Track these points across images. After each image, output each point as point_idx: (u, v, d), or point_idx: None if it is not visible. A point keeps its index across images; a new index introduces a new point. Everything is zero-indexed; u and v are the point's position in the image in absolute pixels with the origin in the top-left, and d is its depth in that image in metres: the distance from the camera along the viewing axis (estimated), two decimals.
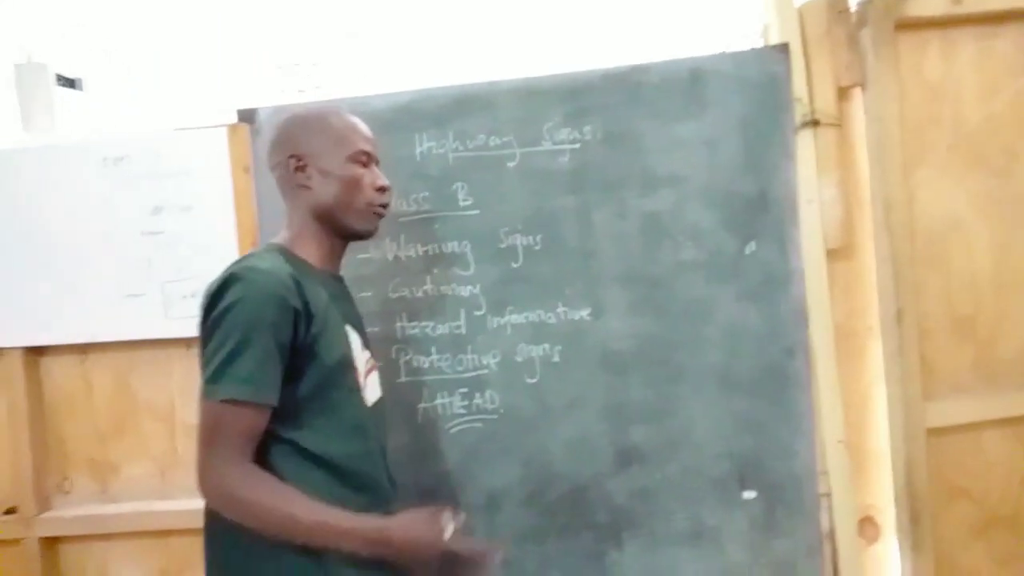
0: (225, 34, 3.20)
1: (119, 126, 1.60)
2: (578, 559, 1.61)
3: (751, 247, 1.58)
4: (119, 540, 1.73)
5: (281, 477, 1.11)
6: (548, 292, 1.61)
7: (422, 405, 1.66)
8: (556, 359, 1.62)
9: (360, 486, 1.19)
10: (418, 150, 1.63)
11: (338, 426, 1.17)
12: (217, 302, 1.10)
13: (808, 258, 1.57)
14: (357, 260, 1.65)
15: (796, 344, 1.57)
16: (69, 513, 1.73)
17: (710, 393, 1.59)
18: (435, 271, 1.64)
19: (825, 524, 1.56)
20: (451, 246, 1.64)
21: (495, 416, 1.64)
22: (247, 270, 1.11)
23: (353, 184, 1.24)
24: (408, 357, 1.66)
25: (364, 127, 1.29)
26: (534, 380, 1.63)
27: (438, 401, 1.66)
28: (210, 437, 1.08)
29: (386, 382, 1.64)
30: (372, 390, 1.30)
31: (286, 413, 1.12)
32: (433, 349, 1.65)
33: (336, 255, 1.30)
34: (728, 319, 1.58)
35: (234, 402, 1.06)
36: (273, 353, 1.08)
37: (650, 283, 1.59)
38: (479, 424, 1.65)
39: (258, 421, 1.09)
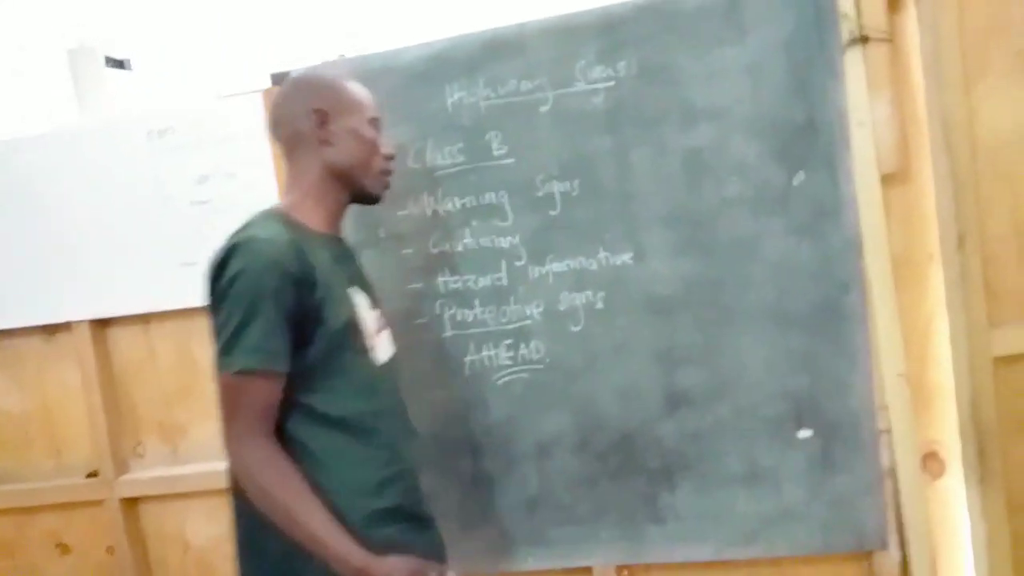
0: (261, 6, 3.21)
1: (166, 100, 1.63)
2: (631, 503, 1.61)
3: (799, 177, 1.51)
4: (193, 499, 1.82)
5: (298, 441, 1.15)
6: (588, 238, 1.58)
7: (468, 358, 1.67)
8: (600, 306, 1.60)
9: (374, 443, 1.21)
10: (449, 101, 1.60)
11: (349, 387, 1.19)
12: (220, 274, 1.12)
13: (861, 185, 1.48)
14: (396, 217, 1.66)
15: (851, 277, 1.50)
16: (145, 475, 1.83)
17: (761, 332, 1.54)
18: (474, 223, 1.63)
19: (886, 461, 1.51)
20: (488, 197, 1.62)
21: (541, 366, 1.64)
22: (248, 240, 1.12)
23: (372, 146, 1.27)
24: (452, 311, 1.66)
25: (372, 98, 1.32)
26: (578, 328, 1.61)
27: (484, 353, 1.66)
28: (229, 411, 1.12)
29: (433, 337, 1.67)
30: (384, 349, 1.32)
31: (298, 378, 1.14)
32: (476, 302, 1.65)
33: (339, 217, 1.31)
34: (778, 255, 1.52)
35: (248, 373, 1.09)
36: (280, 321, 1.10)
37: (694, 222, 1.54)
38: (525, 375, 1.65)
39: (272, 390, 1.12)
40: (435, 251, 1.66)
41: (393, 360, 1.35)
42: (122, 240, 1.78)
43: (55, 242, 1.78)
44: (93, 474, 1.83)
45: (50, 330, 1.83)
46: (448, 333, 1.67)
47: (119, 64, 2.82)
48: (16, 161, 1.80)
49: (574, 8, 1.57)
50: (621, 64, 1.54)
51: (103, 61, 2.73)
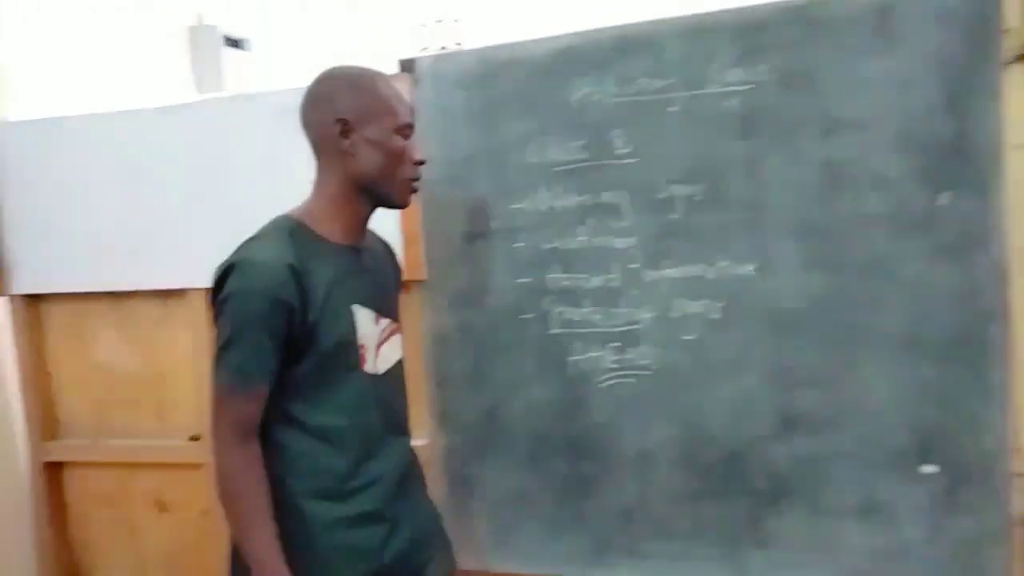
0: None
1: (282, 82, 1.66)
2: (733, 524, 1.55)
3: (944, 198, 1.42)
4: None
5: (278, 443, 1.22)
6: (709, 245, 1.53)
7: (572, 358, 1.64)
8: (716, 316, 1.54)
9: (350, 453, 1.25)
10: (575, 96, 1.57)
11: (332, 401, 1.24)
12: (219, 290, 1.19)
13: (1012, 210, 1.39)
14: (510, 210, 1.64)
15: (994, 307, 1.40)
16: None
17: (890, 358, 1.46)
18: (590, 222, 1.60)
19: (1017, 507, 1.40)
20: (607, 196, 1.58)
21: (648, 372, 1.59)
22: (244, 263, 1.17)
23: (397, 157, 1.24)
24: (560, 309, 1.64)
25: (406, 97, 1.29)
26: (691, 337, 1.56)
27: (589, 354, 1.63)
28: (215, 416, 1.20)
29: (538, 333, 1.65)
30: (385, 358, 1.34)
31: (287, 390, 1.21)
32: (586, 301, 1.62)
33: (361, 225, 1.31)
34: (915, 278, 1.43)
35: (228, 388, 1.17)
36: (264, 344, 1.15)
37: (826, 237, 1.47)
38: (632, 379, 1.61)
39: (250, 407, 1.18)
40: (547, 247, 1.63)
41: (397, 365, 1.38)
42: (240, 213, 1.80)
43: (175, 211, 1.83)
44: (195, 438, 1.88)
45: (166, 295, 1.89)
46: (554, 331, 1.64)
47: (236, 44, 2.90)
48: (141, 131, 1.85)
49: (710, 8, 1.52)
50: (761, 68, 1.48)
51: (222, 40, 2.81)
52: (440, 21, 3.43)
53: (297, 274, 1.17)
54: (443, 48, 3.44)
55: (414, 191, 1.30)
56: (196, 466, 1.88)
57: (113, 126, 1.87)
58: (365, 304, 1.28)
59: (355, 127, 1.22)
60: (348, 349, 1.25)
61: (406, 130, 1.25)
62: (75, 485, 2.03)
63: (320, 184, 1.27)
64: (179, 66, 2.77)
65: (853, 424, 1.49)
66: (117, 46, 2.36)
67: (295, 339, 1.18)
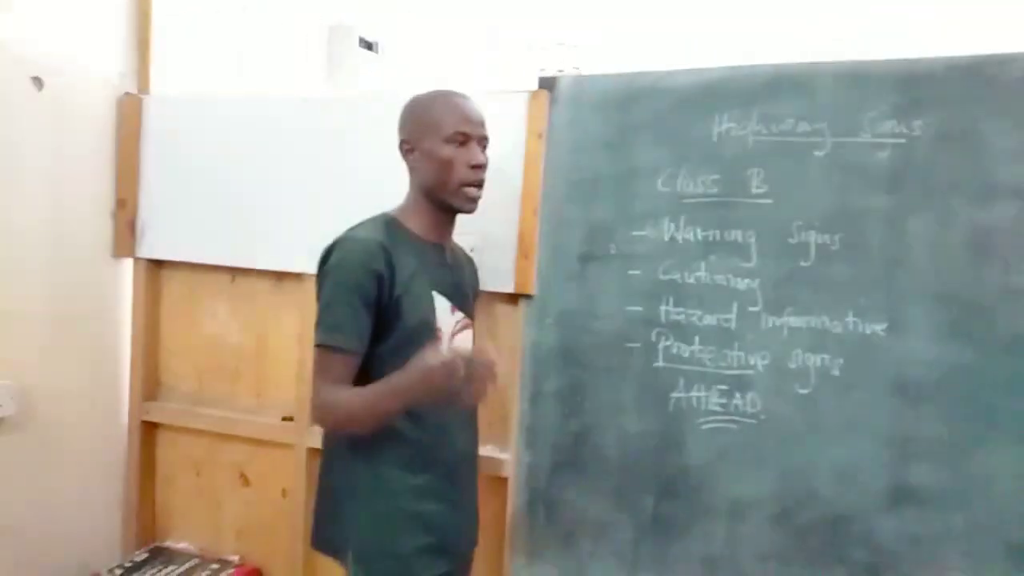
0: (492, 13, 3.29)
1: (408, 85, 1.69)
2: None
3: None
4: None
5: None
6: (839, 298, 1.47)
7: (675, 395, 1.60)
8: (836, 372, 1.47)
9: (424, 428, 1.36)
10: (716, 130, 1.54)
11: None
12: (323, 265, 1.33)
13: None
14: (631, 236, 1.62)
15: None
16: None
17: (1019, 444, 1.36)
18: (712, 258, 1.56)
19: None
20: (734, 234, 1.54)
21: (754, 421, 1.53)
22: (344, 239, 1.32)
23: (446, 165, 1.35)
24: (669, 343, 1.60)
25: (467, 108, 1.38)
26: (806, 391, 1.49)
27: (693, 394, 1.58)
28: (315, 377, 1.31)
29: (641, 364, 1.62)
30: (459, 347, 1.42)
31: (375, 361, 1.31)
32: (697, 339, 1.58)
33: (440, 227, 1.44)
34: None
35: (328, 348, 1.28)
36: (359, 309, 1.27)
37: (968, 306, 1.39)
38: (734, 426, 1.55)
39: (347, 366, 1.29)
40: (664, 278, 1.60)
41: None
42: (358, 204, 1.84)
43: (299, 197, 1.88)
44: (288, 418, 1.92)
45: (280, 277, 1.94)
46: (659, 364, 1.61)
47: (369, 46, 2.99)
48: (279, 118, 1.92)
49: (872, 56, 1.47)
50: (918, 123, 1.42)
51: (357, 41, 2.91)
52: (561, 44, 3.47)
53: (387, 252, 1.30)
54: (560, 71, 3.48)
55: (472, 197, 1.39)
56: (285, 446, 1.92)
57: (252, 110, 1.94)
58: (444, 293, 1.41)
59: (415, 146, 1.38)
60: (428, 330, 1.36)
61: (457, 137, 1.35)
62: (167, 448, 2.10)
63: (408, 191, 1.44)
64: (315, 62, 2.87)
65: (968, 508, 1.40)
66: (261, 37, 2.47)
67: (383, 308, 1.30)
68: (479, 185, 1.39)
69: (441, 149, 1.35)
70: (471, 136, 1.36)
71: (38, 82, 1.78)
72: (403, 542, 1.36)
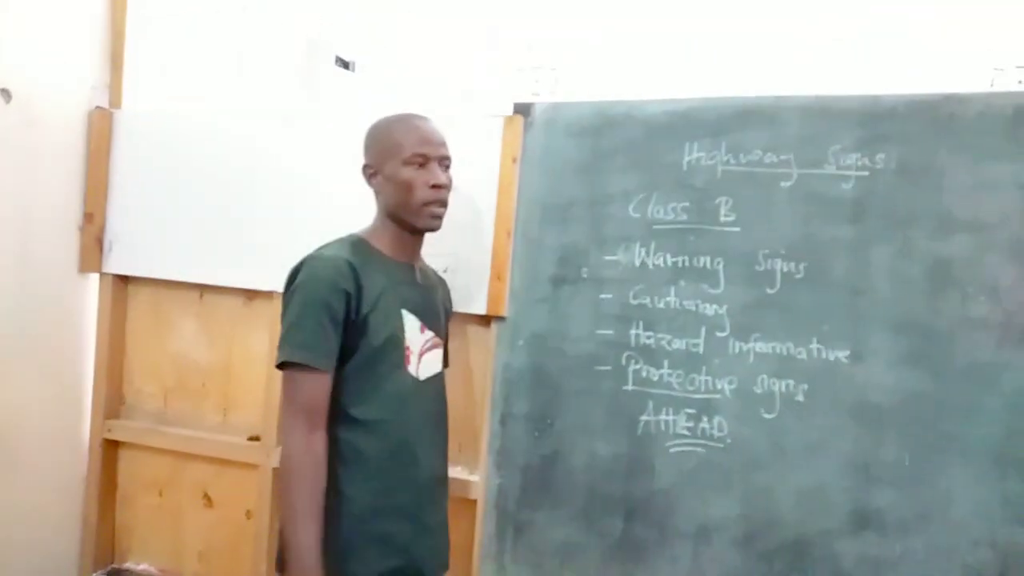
0: (475, 35, 3.33)
1: (381, 108, 1.68)
2: None
3: None
4: None
5: (333, 437, 1.31)
6: (803, 325, 1.50)
7: (644, 418, 1.61)
8: (800, 398, 1.50)
9: (392, 448, 1.36)
10: (686, 159, 1.58)
11: (378, 395, 1.34)
12: (290, 283, 1.33)
13: None
14: (603, 261, 1.64)
15: None
16: None
17: (978, 469, 1.39)
18: (681, 283, 1.59)
19: None
20: (703, 261, 1.57)
21: (720, 445, 1.56)
22: (311, 257, 1.33)
23: (406, 186, 1.36)
24: (638, 366, 1.62)
25: (425, 130, 1.39)
26: (771, 416, 1.52)
27: (662, 417, 1.60)
28: (283, 400, 1.32)
29: (611, 387, 1.63)
30: (428, 366, 1.46)
31: (341, 385, 1.32)
32: (665, 363, 1.60)
33: (408, 247, 1.45)
34: (1016, 390, 1.38)
35: (293, 366, 1.27)
36: (326, 326, 1.28)
37: (927, 335, 1.43)
38: (701, 449, 1.57)
39: (317, 386, 1.29)
40: (635, 302, 1.62)
41: (437, 376, 1.50)
42: (330, 222, 1.84)
43: (269, 214, 1.88)
44: (254, 438, 1.90)
45: (250, 295, 1.93)
46: (628, 387, 1.62)
47: (345, 64, 3.00)
48: (249, 134, 1.91)
49: (836, 91, 1.52)
50: (880, 156, 1.47)
51: (334, 59, 2.92)
52: (538, 67, 3.51)
53: (354, 270, 1.31)
54: (536, 95, 3.52)
55: (435, 216, 1.40)
56: (250, 466, 1.89)
57: (224, 125, 1.93)
58: (413, 312, 1.42)
59: (377, 169, 1.40)
60: (395, 347, 1.37)
61: (416, 159, 1.36)
62: (129, 467, 2.06)
63: (375, 212, 1.46)
64: (290, 79, 2.86)
65: (928, 532, 1.43)
66: (236, 52, 2.46)
67: (351, 326, 1.30)
68: (442, 204, 1.40)
69: (401, 171, 1.36)
70: (430, 157, 1.38)
71: (5, 94, 1.75)
72: (369, 564, 1.34)
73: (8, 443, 1.82)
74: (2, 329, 1.80)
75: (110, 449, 2.05)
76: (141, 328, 2.05)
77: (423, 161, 1.37)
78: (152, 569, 2.00)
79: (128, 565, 2.03)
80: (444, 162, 1.41)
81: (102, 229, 2.00)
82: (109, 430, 2.03)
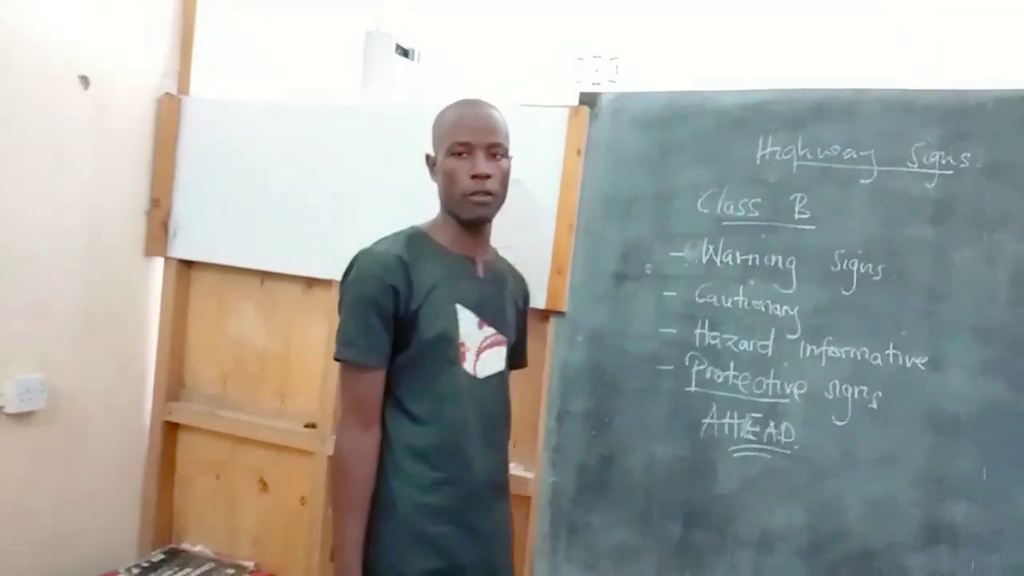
0: (535, 23, 3.30)
1: (444, 94, 1.67)
2: None
3: None
4: None
5: (386, 428, 1.33)
6: (880, 329, 1.44)
7: (707, 420, 1.57)
8: (873, 405, 1.45)
9: (442, 445, 1.33)
10: (759, 154, 1.53)
11: (431, 391, 1.33)
12: (344, 279, 1.34)
13: None
14: (668, 257, 1.61)
15: None
16: None
17: None
18: (751, 283, 1.54)
19: None
20: (775, 259, 1.52)
21: (788, 451, 1.51)
22: (362, 254, 1.33)
23: (449, 176, 1.33)
24: (702, 367, 1.58)
25: (471, 116, 1.34)
26: (843, 423, 1.47)
27: (726, 420, 1.56)
28: (340, 396, 1.36)
29: (673, 388, 1.59)
30: (487, 364, 1.41)
31: (395, 375, 1.32)
32: (732, 364, 1.55)
33: (466, 239, 1.40)
34: None
35: (345, 363, 1.30)
36: (373, 323, 1.28)
37: (1010, 343, 1.36)
38: (767, 455, 1.52)
39: (367, 383, 1.30)
40: (700, 301, 1.58)
41: (498, 376, 1.44)
42: (390, 214, 1.84)
43: (332, 204, 1.88)
44: (311, 425, 1.91)
45: (310, 283, 1.94)
46: (691, 388, 1.58)
47: (405, 53, 3.00)
48: (314, 125, 1.92)
49: (920, 85, 1.45)
50: (966, 155, 1.40)
51: (394, 47, 2.92)
52: (598, 57, 3.47)
53: (405, 265, 1.30)
54: (596, 84, 3.48)
55: (479, 204, 1.34)
56: (306, 453, 1.91)
57: (289, 115, 1.95)
58: (470, 307, 1.37)
59: (435, 159, 1.38)
60: (448, 343, 1.34)
61: (456, 148, 1.32)
62: (187, 449, 2.10)
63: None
64: (351, 69, 2.88)
65: (1005, 548, 1.36)
66: (299, 42, 2.48)
67: (400, 323, 1.30)
68: (486, 193, 1.33)
69: (446, 162, 1.33)
70: (474, 145, 1.32)
71: (85, 81, 1.79)
72: (409, 562, 1.31)
73: (73, 421, 1.87)
74: (70, 311, 1.84)
75: (170, 431, 2.09)
76: (203, 313, 2.08)
77: (466, 150, 1.32)
78: (208, 551, 2.03)
79: (185, 545, 2.06)
80: (493, 149, 1.33)
81: (168, 214, 2.03)
82: (170, 412, 2.07)
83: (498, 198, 1.37)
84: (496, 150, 1.34)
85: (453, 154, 1.32)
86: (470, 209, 1.34)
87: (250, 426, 1.98)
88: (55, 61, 1.72)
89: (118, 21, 1.87)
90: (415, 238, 1.37)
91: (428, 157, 1.41)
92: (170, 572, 1.90)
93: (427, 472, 1.32)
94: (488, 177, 1.32)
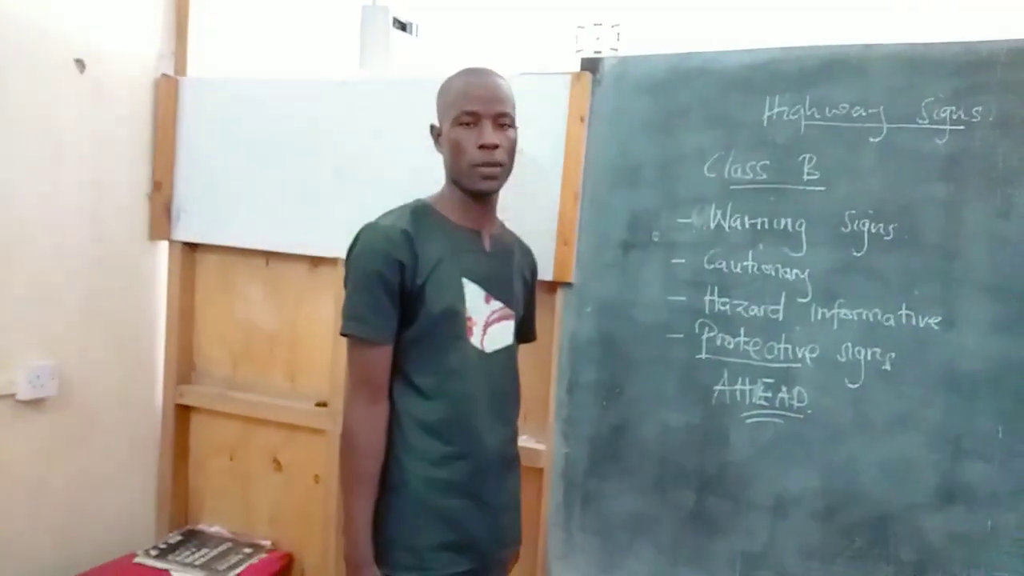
0: None
1: (443, 68, 1.63)
2: None
3: None
4: None
5: (394, 403, 1.32)
6: (892, 290, 1.42)
7: (718, 387, 1.56)
8: (887, 367, 1.43)
9: (451, 419, 1.32)
10: (766, 114, 1.50)
11: (439, 366, 1.32)
12: (349, 252, 1.31)
13: None
14: (675, 223, 1.59)
15: None
16: None
17: None
18: (760, 247, 1.52)
19: None
20: (784, 222, 1.50)
21: (800, 416, 1.50)
22: (367, 228, 1.31)
23: (455, 147, 1.31)
24: (713, 334, 1.56)
25: (478, 85, 1.31)
26: (856, 385, 1.45)
27: (738, 387, 1.55)
28: (348, 372, 1.33)
29: (683, 356, 1.58)
30: (495, 338, 1.39)
31: (402, 350, 1.31)
32: (742, 330, 1.54)
33: (473, 212, 1.37)
34: None
35: (352, 338, 1.28)
36: (380, 298, 1.26)
37: None
38: (780, 420, 1.51)
39: (374, 358, 1.29)
40: (709, 267, 1.56)
41: (507, 350, 1.43)
42: (394, 189, 1.82)
43: (334, 181, 1.87)
44: (322, 404, 1.91)
45: (316, 261, 1.93)
46: (702, 355, 1.57)
47: (403, 27, 2.95)
48: (313, 102, 1.90)
49: (929, 38, 1.41)
50: (977, 109, 1.37)
51: (391, 21, 2.87)
52: (599, 24, 3.41)
53: (410, 239, 1.28)
54: (598, 52, 3.42)
55: (486, 176, 1.31)
56: (318, 432, 1.91)
57: (288, 92, 1.93)
58: (476, 281, 1.36)
59: (441, 130, 1.36)
60: (455, 317, 1.33)
61: (463, 118, 1.30)
62: (200, 431, 2.11)
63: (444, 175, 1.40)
64: (349, 44, 2.83)
65: (1021, 506, 1.35)
66: (295, 18, 2.45)
67: (407, 297, 1.29)
68: (493, 164, 1.30)
69: (452, 132, 1.31)
70: (481, 115, 1.29)
71: (80, 64, 1.77)
72: (421, 536, 1.31)
73: (87, 409, 1.88)
74: (75, 297, 1.84)
75: (182, 414, 2.09)
76: (209, 295, 2.08)
77: (473, 120, 1.29)
78: (225, 531, 2.05)
79: (202, 527, 2.08)
80: (500, 119, 1.30)
81: (170, 197, 2.02)
82: (181, 395, 2.07)
83: (506, 169, 1.34)
84: (504, 120, 1.31)
85: (460, 124, 1.30)
86: (477, 180, 1.32)
87: (262, 406, 1.98)
88: (49, 46, 1.70)
89: (112, 3, 1.85)
90: (420, 211, 1.34)
91: (433, 128, 1.39)
92: (188, 553, 1.91)
93: (437, 446, 1.32)
94: (496, 147, 1.30)
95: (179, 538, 1.99)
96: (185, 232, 2.03)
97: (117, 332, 1.97)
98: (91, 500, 1.91)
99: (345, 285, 1.32)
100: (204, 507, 2.12)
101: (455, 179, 1.35)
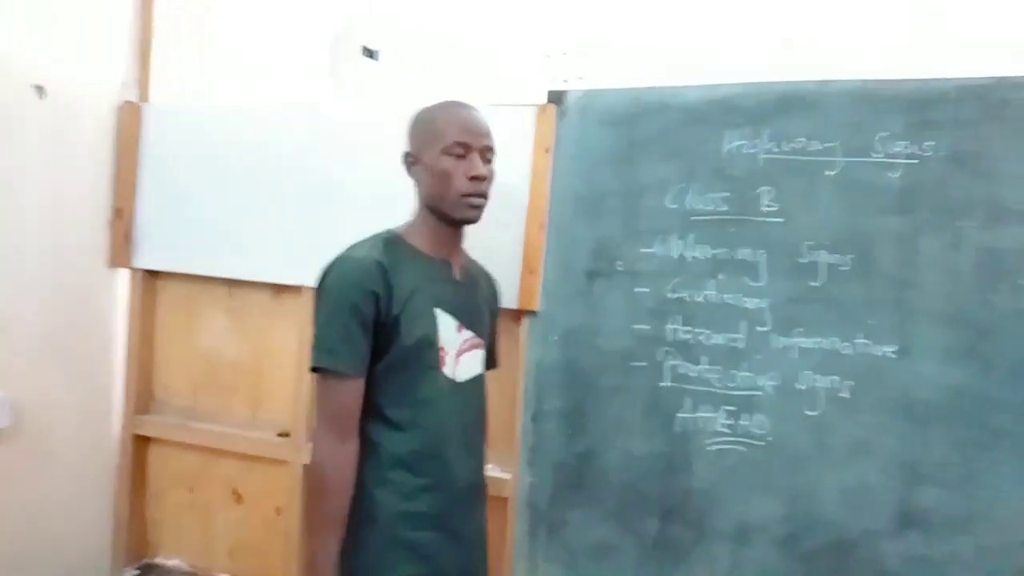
0: (502, 21, 3.28)
1: (410, 96, 1.64)
2: None
3: None
4: None
5: (366, 436, 1.29)
6: (848, 319, 1.45)
7: (681, 415, 1.58)
8: (845, 394, 1.46)
9: (422, 451, 1.31)
10: (726, 147, 1.53)
11: (411, 397, 1.30)
12: (320, 284, 1.29)
13: None
14: (638, 253, 1.61)
15: None
16: None
17: None
18: (721, 277, 1.54)
19: None
20: (744, 253, 1.53)
21: (762, 443, 1.51)
22: (340, 259, 1.29)
23: (444, 177, 1.31)
24: (675, 362, 1.58)
25: (468, 119, 1.33)
26: (815, 413, 1.48)
27: (699, 414, 1.56)
28: (316, 406, 1.29)
29: (647, 384, 1.59)
30: (466, 368, 1.39)
31: (374, 383, 1.29)
32: (704, 359, 1.56)
33: (446, 242, 1.39)
34: None
35: (323, 371, 1.25)
36: (354, 330, 1.24)
37: (977, 329, 1.37)
38: (742, 448, 1.53)
39: (345, 392, 1.26)
40: (672, 296, 1.58)
41: (476, 379, 1.43)
42: (359, 217, 1.82)
43: (298, 208, 1.86)
44: (284, 434, 1.89)
45: (279, 289, 1.91)
46: (665, 383, 1.59)
47: (371, 54, 2.97)
48: (276, 128, 1.89)
49: (882, 75, 1.46)
50: (929, 143, 1.41)
51: (360, 49, 2.89)
52: (566, 54, 3.46)
53: (384, 270, 1.26)
54: (565, 81, 3.47)
55: (474, 206, 1.33)
56: (280, 462, 1.88)
57: (252, 120, 1.92)
58: (448, 311, 1.36)
59: (417, 158, 1.35)
60: (428, 348, 1.32)
61: (454, 149, 1.30)
62: (159, 462, 2.06)
63: (415, 206, 1.40)
64: (317, 71, 2.84)
65: (979, 532, 1.38)
66: (263, 46, 2.44)
67: (381, 329, 1.27)
68: (481, 195, 1.33)
69: (440, 161, 1.30)
70: (472, 147, 1.31)
71: (40, 90, 1.75)
72: (392, 570, 1.29)
73: (39, 437, 1.83)
74: (33, 324, 1.80)
75: (141, 445, 2.05)
76: (170, 323, 2.05)
77: (464, 151, 1.30)
78: (183, 565, 2.00)
79: (160, 560, 2.03)
80: (486, 153, 1.33)
81: (131, 224, 2.00)
82: (139, 426, 2.03)
83: (487, 200, 1.36)
84: (489, 154, 1.35)
85: (450, 154, 1.30)
86: (464, 210, 1.32)
87: (222, 437, 1.95)
88: (7, 71, 1.68)
89: (74, 30, 1.83)
90: (392, 242, 1.34)
91: (408, 155, 1.37)
92: None
93: (409, 479, 1.30)
94: (484, 179, 1.32)
95: (136, 572, 1.95)
96: (146, 259, 2.00)
97: (75, 361, 1.92)
98: (45, 533, 1.85)
99: (315, 317, 1.29)
100: (163, 540, 2.07)
101: (437, 207, 1.34)
